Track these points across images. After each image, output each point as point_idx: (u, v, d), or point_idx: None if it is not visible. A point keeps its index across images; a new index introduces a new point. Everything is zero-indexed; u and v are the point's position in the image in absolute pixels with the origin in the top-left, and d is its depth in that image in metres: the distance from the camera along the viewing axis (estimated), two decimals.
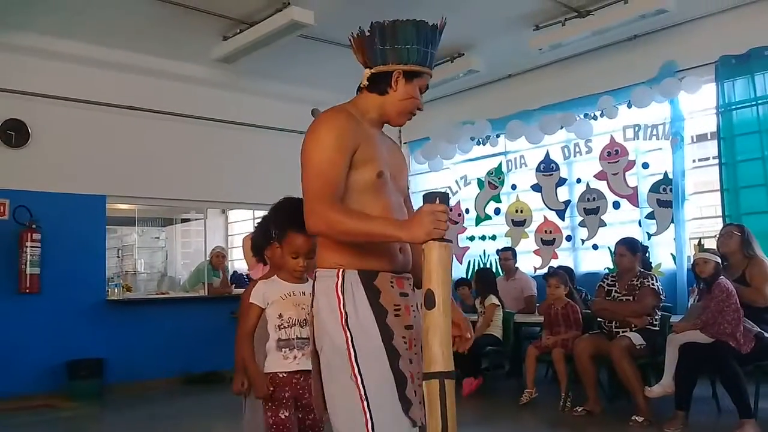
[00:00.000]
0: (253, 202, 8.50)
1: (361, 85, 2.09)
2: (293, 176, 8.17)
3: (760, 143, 5.91)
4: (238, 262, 11.01)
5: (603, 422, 4.62)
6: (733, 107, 6.10)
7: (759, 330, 4.27)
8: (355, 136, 1.95)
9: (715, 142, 6.26)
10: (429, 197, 1.78)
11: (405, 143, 9.46)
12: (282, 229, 2.62)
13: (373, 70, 2.05)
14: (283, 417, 2.60)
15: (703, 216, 7.13)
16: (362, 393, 1.80)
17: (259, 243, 2.89)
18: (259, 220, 2.97)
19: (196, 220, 10.47)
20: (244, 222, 12.06)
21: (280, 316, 2.62)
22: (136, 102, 7.02)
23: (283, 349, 2.61)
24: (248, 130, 7.87)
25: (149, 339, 6.82)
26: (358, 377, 1.80)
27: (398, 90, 2.05)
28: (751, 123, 5.98)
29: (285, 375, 2.61)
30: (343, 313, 1.85)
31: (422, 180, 9.28)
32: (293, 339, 2.61)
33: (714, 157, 6.42)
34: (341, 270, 1.88)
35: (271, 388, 2.60)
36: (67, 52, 6.59)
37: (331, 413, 1.88)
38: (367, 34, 2.03)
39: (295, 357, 2.61)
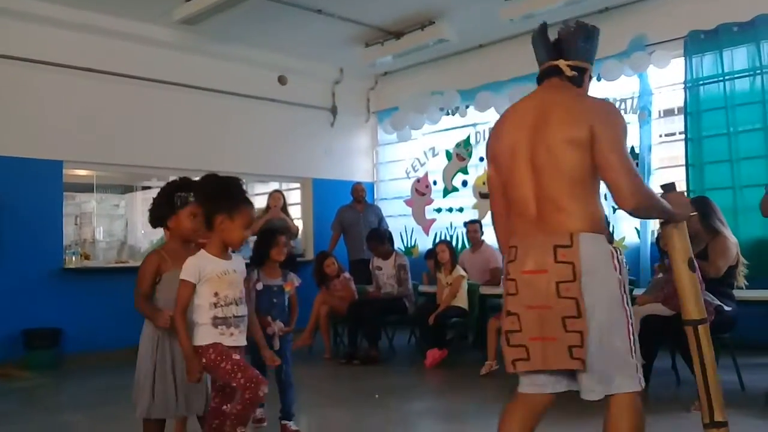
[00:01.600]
0: (217, 170, 8.31)
1: (566, 75, 2.32)
2: (259, 143, 8.07)
3: (726, 119, 5.97)
4: None
5: (560, 394, 4.67)
6: (701, 82, 6.14)
7: (719, 303, 4.33)
8: None
9: (682, 117, 6.31)
10: (669, 187, 2.46)
11: (374, 113, 9.37)
12: (234, 202, 2.67)
13: (571, 63, 2.32)
14: (236, 358, 2.69)
15: None
16: (629, 323, 2.14)
17: (162, 212, 3.00)
18: (159, 191, 3.07)
19: (157, 187, 10.25)
20: None
21: (216, 294, 2.66)
22: (95, 64, 6.75)
23: (220, 326, 2.67)
24: (212, 95, 7.65)
25: (108, 308, 6.63)
26: (627, 309, 2.14)
27: (586, 86, 2.36)
28: (718, 99, 6.03)
29: (228, 347, 2.69)
30: (617, 266, 2.13)
31: (390, 150, 9.21)
32: (230, 317, 2.68)
33: (680, 133, 6.48)
34: (601, 235, 2.13)
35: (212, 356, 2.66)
36: (22, 11, 6.29)
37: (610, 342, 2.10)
38: (572, 29, 2.36)
39: (232, 334, 2.69)
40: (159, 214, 3.04)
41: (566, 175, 2.13)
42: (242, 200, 2.70)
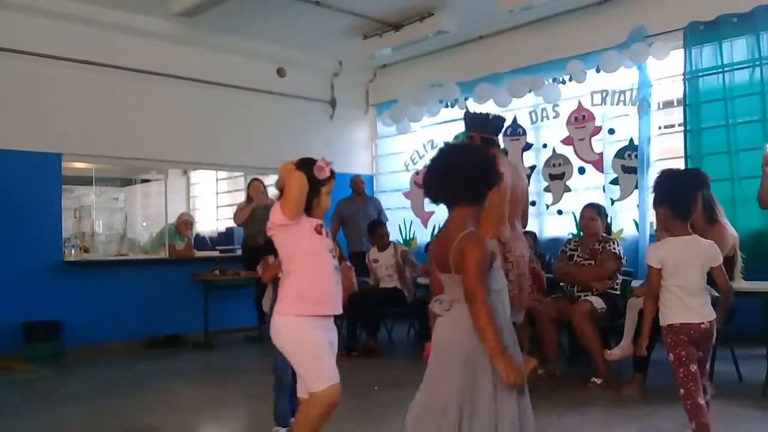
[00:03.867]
0: (215, 163, 8.35)
1: None
2: (257, 135, 8.05)
3: (725, 111, 5.95)
4: (201, 224, 10.85)
5: (563, 384, 4.69)
6: (700, 74, 6.12)
7: (716, 295, 4.32)
8: None
9: (681, 109, 6.30)
10: None
11: (373, 105, 9.35)
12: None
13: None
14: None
15: None
16: None
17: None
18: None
19: (156, 180, 10.24)
20: (206, 183, 11.85)
21: None
22: (93, 56, 6.74)
23: None
24: (210, 87, 7.64)
25: (108, 301, 6.68)
26: None
27: None
28: (717, 90, 6.01)
29: None
30: None
31: (389, 143, 9.20)
32: None
33: (679, 125, 6.47)
34: None
35: None
36: (21, 4, 6.28)
37: None
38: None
39: None
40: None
41: None
42: None
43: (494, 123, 4.27)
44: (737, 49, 5.92)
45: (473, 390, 2.13)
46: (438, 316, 2.28)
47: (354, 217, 7.74)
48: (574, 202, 6.82)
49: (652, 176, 6.50)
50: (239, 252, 7.78)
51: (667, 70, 6.54)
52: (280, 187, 2.66)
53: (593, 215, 5.09)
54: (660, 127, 6.85)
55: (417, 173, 8.72)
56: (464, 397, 2.13)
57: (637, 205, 6.44)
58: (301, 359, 2.63)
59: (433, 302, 2.35)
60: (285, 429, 3.42)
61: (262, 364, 6.11)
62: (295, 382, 2.80)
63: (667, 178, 3.18)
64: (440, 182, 2.32)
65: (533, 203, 7.44)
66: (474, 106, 7.92)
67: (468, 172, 2.27)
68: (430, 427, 2.15)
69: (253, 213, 7.37)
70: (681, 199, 3.07)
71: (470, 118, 4.32)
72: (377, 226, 6.79)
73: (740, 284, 4.55)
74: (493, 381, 2.11)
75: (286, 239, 2.66)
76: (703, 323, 2.99)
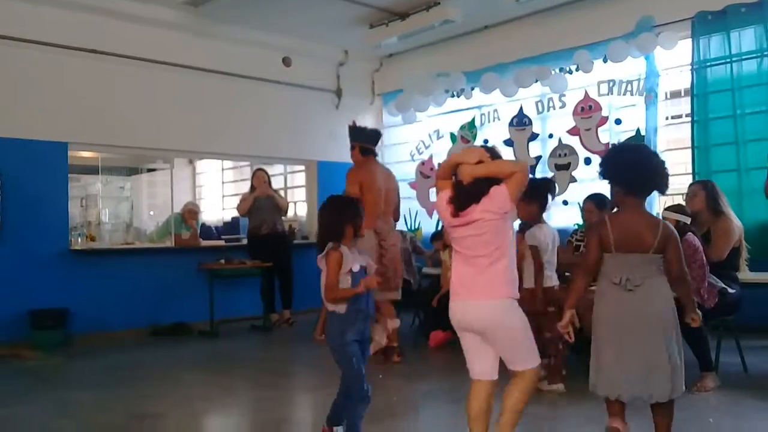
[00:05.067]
0: (221, 152, 8.35)
1: None
2: (263, 125, 8.06)
3: (732, 101, 5.92)
4: (207, 214, 10.88)
5: (566, 371, 4.70)
6: (708, 64, 6.09)
7: (723, 286, 4.32)
8: None
9: (688, 99, 6.27)
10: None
11: (378, 95, 9.33)
12: None
13: None
14: None
15: (673, 173, 7.16)
16: None
17: None
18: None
19: (162, 170, 10.27)
20: (212, 173, 11.87)
21: None
22: (99, 45, 6.74)
23: None
24: (216, 77, 7.64)
25: (115, 290, 6.71)
26: None
27: None
28: (725, 81, 5.98)
29: None
30: None
31: (395, 133, 9.18)
32: None
33: (686, 115, 6.44)
34: None
35: None
36: None
37: None
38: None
39: None
40: None
41: None
42: None
43: (372, 135, 5.45)
44: (745, 39, 5.89)
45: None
46: (629, 291, 2.77)
47: None
48: (580, 192, 6.80)
49: None
50: (245, 241, 7.80)
51: (674, 60, 6.51)
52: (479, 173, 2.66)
53: (590, 207, 5.08)
54: (667, 118, 6.82)
55: (423, 163, 8.72)
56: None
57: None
58: (525, 338, 2.73)
59: (623, 280, 2.77)
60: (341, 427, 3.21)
61: (267, 353, 6.17)
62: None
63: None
64: (652, 176, 2.84)
65: None
66: (480, 96, 7.92)
67: (660, 167, 2.89)
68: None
69: (256, 203, 7.39)
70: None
71: (351, 131, 5.44)
72: None
73: (746, 275, 4.56)
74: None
75: (506, 227, 2.70)
76: None
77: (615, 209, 3.11)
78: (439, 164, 8.44)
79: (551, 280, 4.38)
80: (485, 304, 2.70)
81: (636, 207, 2.86)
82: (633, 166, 2.86)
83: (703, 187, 4.74)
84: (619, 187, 2.92)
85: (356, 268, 3.03)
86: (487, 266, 2.68)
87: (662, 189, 2.90)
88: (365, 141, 5.36)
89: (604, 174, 2.96)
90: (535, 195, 4.16)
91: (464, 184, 2.67)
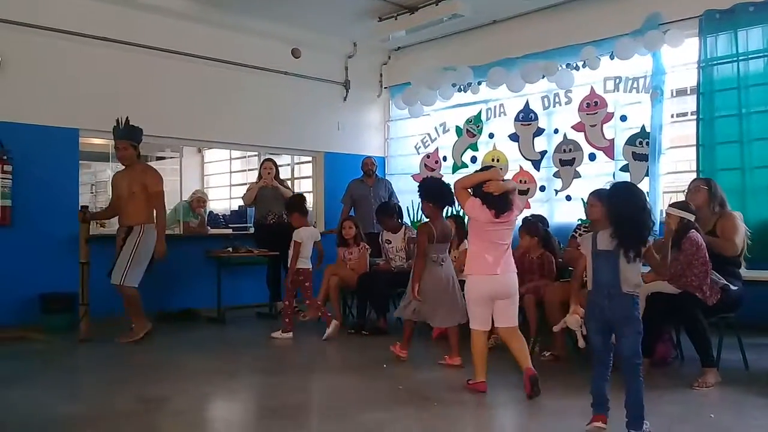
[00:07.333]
0: (230, 142, 8.41)
1: None
2: (271, 116, 8.10)
3: (738, 100, 5.95)
4: (215, 203, 10.95)
5: (569, 367, 4.76)
6: (715, 62, 6.11)
7: (725, 282, 4.35)
8: None
9: (694, 97, 6.30)
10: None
11: (386, 88, 9.38)
12: None
13: None
14: None
15: (677, 170, 7.22)
16: None
17: None
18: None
19: (171, 158, 10.33)
20: (220, 162, 11.93)
21: None
22: (110, 33, 6.80)
23: None
24: (225, 67, 7.70)
25: None
26: None
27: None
28: (731, 79, 6.01)
29: None
30: None
31: (402, 126, 9.23)
32: None
33: (692, 113, 6.47)
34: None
35: None
36: None
37: None
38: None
39: None
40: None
41: None
42: None
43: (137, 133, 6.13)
44: (753, 38, 5.92)
45: None
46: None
47: (365, 198, 7.80)
48: (584, 188, 6.85)
49: (663, 164, 6.53)
50: (251, 230, 7.87)
51: (681, 58, 6.53)
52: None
53: (593, 202, 5.10)
54: (672, 115, 6.85)
55: (428, 156, 8.77)
56: None
57: (648, 192, 6.46)
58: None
59: None
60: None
61: (272, 339, 6.23)
62: None
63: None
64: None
65: (542, 188, 7.51)
66: (486, 91, 7.96)
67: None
68: None
69: (261, 193, 7.43)
70: None
71: (130, 130, 6.09)
72: (387, 217, 6.64)
73: (749, 273, 4.58)
74: None
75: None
76: None
77: None
78: (444, 157, 8.52)
79: None
80: (513, 276, 4.00)
81: None
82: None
83: (705, 184, 4.77)
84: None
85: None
86: (506, 250, 3.96)
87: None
88: (134, 138, 6.14)
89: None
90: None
91: (495, 195, 3.81)
